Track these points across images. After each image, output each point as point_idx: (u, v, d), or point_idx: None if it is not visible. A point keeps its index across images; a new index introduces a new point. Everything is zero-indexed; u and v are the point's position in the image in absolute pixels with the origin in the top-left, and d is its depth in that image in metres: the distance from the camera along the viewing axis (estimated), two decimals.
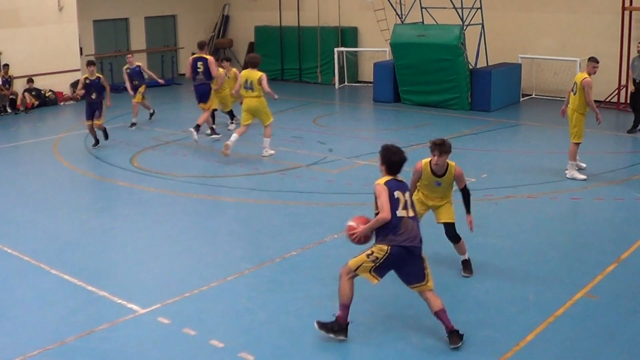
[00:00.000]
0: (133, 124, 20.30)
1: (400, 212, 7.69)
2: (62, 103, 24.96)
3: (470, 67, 21.79)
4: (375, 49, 26.54)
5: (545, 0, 23.31)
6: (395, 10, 23.38)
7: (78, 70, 25.06)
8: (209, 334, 8.24)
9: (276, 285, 8.94)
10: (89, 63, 17.73)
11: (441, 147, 9.02)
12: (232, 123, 19.19)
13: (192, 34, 31.81)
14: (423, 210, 9.57)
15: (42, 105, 24.29)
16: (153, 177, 15.06)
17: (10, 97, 23.64)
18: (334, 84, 26.93)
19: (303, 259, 10.44)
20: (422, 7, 22.81)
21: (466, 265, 9.80)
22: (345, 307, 7.92)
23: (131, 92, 20.42)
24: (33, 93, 24.19)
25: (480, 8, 21.99)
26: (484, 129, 18.98)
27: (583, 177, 14.04)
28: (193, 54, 20.30)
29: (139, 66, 20.71)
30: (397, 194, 7.73)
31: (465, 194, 9.36)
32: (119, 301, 9.14)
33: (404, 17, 23.26)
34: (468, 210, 9.35)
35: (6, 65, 23.90)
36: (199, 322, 8.55)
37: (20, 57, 24.12)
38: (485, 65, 22.49)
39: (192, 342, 8.10)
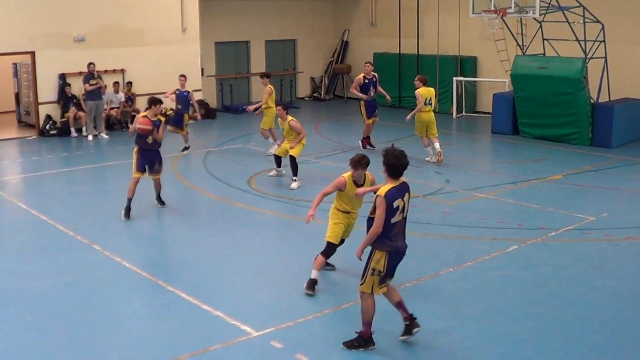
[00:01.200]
0: (186, 148, 20.24)
1: (395, 219, 8.13)
2: None
3: (592, 101, 21.29)
4: (494, 79, 26.24)
5: None
6: (516, 41, 23.09)
7: (199, 90, 25.63)
8: None
9: (390, 316, 8.87)
10: (154, 101, 14.06)
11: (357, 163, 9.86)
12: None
13: (311, 59, 32.26)
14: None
15: None
16: (270, 200, 15.22)
17: (132, 114, 24.31)
18: (452, 114, 26.71)
19: (417, 291, 10.33)
20: (544, 39, 22.44)
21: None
22: (368, 324, 8.44)
23: (177, 106, 20.06)
24: None
25: (604, 41, 21.47)
26: (605, 166, 18.44)
27: None
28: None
29: (188, 92, 20.23)
30: (396, 203, 8.08)
31: None
32: (233, 322, 9.24)
33: (525, 48, 22.94)
34: None
35: (129, 83, 24.66)
36: (312, 348, 8.57)
37: (143, 75, 24.84)
38: (607, 100, 21.91)
39: None
